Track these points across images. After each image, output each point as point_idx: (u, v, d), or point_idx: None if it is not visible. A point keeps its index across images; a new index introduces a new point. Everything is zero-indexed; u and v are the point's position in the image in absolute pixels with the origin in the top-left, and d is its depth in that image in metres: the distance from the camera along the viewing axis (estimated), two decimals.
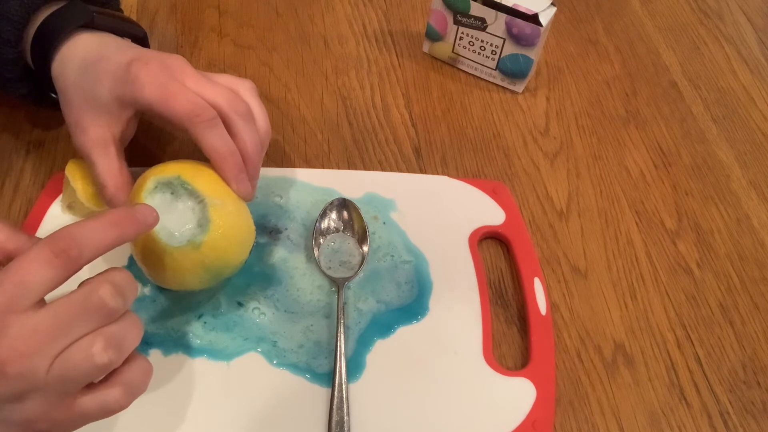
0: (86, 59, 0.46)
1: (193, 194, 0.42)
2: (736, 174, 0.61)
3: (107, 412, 0.37)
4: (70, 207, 0.51)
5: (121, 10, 0.56)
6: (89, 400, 0.35)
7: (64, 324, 0.33)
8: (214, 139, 0.43)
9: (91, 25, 0.48)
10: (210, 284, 0.45)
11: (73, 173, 0.48)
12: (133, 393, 0.38)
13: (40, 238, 0.36)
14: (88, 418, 0.36)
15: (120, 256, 0.49)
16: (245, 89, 0.48)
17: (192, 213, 0.42)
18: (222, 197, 0.43)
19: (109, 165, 0.45)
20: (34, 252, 0.34)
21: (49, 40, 0.47)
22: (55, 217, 0.51)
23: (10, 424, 0.34)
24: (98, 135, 0.45)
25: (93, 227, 0.35)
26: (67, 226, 0.35)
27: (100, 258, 0.38)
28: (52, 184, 0.52)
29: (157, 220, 0.38)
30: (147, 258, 0.42)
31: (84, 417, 0.36)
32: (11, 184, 0.54)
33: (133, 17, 0.67)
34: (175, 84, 0.44)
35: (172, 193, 0.42)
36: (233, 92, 0.46)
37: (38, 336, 0.33)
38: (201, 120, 0.43)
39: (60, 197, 0.51)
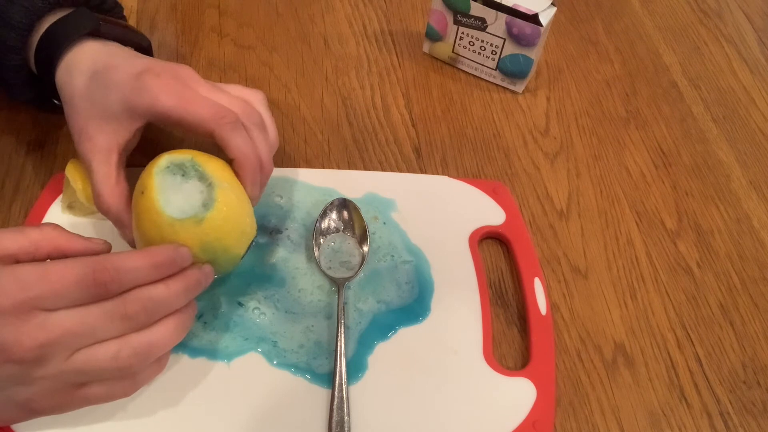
0: (94, 68, 0.46)
1: (203, 177, 0.42)
2: (736, 174, 0.61)
3: (112, 399, 0.39)
4: (71, 207, 0.51)
5: (124, 18, 0.56)
6: (98, 388, 0.38)
7: (88, 326, 0.36)
8: (239, 140, 0.44)
9: (96, 34, 0.48)
10: None
11: (73, 173, 0.49)
12: (141, 384, 0.41)
13: (90, 244, 0.40)
14: (91, 402, 0.39)
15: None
16: (257, 100, 0.49)
17: (200, 194, 0.42)
18: (231, 184, 0.43)
19: (108, 173, 0.45)
20: (78, 268, 0.36)
21: (54, 47, 0.47)
22: (56, 217, 0.51)
23: (10, 403, 0.37)
24: (103, 143, 0.45)
25: (137, 267, 0.37)
26: (115, 257, 0.37)
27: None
28: (53, 184, 0.52)
29: (190, 262, 0.40)
30: (145, 229, 0.42)
31: (87, 402, 0.39)
32: (11, 184, 0.54)
33: (133, 17, 0.67)
34: (191, 91, 0.45)
35: (182, 175, 0.42)
36: (246, 102, 0.47)
37: (58, 330, 0.35)
38: (226, 122, 0.44)
39: (60, 197, 0.51)
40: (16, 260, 0.37)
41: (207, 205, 0.41)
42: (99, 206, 0.45)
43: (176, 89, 0.44)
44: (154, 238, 0.41)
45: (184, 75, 0.46)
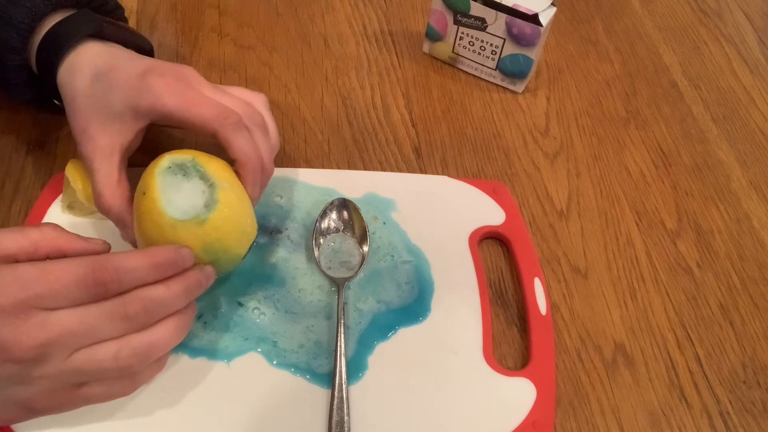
0: (97, 68, 0.46)
1: (204, 177, 0.42)
2: (736, 174, 0.61)
3: (111, 398, 0.39)
4: (70, 207, 0.51)
5: (126, 20, 0.56)
6: (97, 388, 0.38)
7: (88, 325, 0.36)
8: (242, 141, 0.44)
9: (99, 35, 0.48)
10: None
11: (73, 173, 0.49)
12: (140, 383, 0.40)
13: (90, 244, 0.40)
14: (90, 402, 0.39)
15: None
16: (259, 102, 0.49)
17: (201, 194, 0.42)
18: (232, 185, 0.43)
19: (109, 174, 0.45)
20: (78, 267, 0.36)
21: (56, 48, 0.47)
22: (56, 217, 0.51)
23: (9, 402, 0.37)
24: (105, 143, 0.45)
25: (137, 267, 0.37)
26: (116, 257, 0.37)
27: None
28: (53, 184, 0.52)
29: (191, 263, 0.40)
30: (146, 229, 0.42)
31: (86, 401, 0.39)
32: (11, 184, 0.54)
33: (133, 18, 0.67)
34: (195, 92, 0.45)
35: (184, 175, 0.42)
36: (249, 104, 0.47)
37: (58, 330, 0.35)
38: (230, 122, 0.44)
39: (60, 197, 0.51)
40: (15, 260, 0.37)
41: (209, 206, 0.41)
42: (100, 206, 0.45)
43: (179, 89, 0.44)
44: (155, 238, 0.41)
45: (187, 75, 0.46)
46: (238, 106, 0.46)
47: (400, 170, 0.58)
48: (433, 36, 0.65)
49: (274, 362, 0.46)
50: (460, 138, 0.61)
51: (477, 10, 0.60)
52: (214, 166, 0.43)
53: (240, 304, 0.48)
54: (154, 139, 0.54)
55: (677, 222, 0.57)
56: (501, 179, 0.58)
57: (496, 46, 0.62)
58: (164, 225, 0.41)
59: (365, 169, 0.58)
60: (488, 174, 0.59)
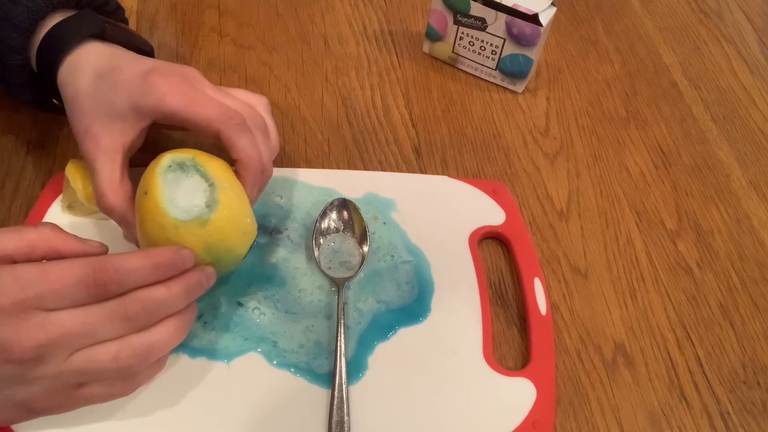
0: (99, 68, 0.46)
1: (205, 176, 0.43)
2: (736, 174, 0.61)
3: (111, 399, 0.39)
4: (71, 207, 0.51)
5: (126, 21, 0.56)
6: (97, 388, 0.38)
7: (88, 326, 0.36)
8: (245, 142, 0.44)
9: (101, 36, 0.48)
10: None
11: (73, 173, 0.48)
12: (140, 384, 0.40)
13: (88, 245, 0.40)
14: (90, 402, 0.39)
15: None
16: (260, 105, 0.50)
17: (202, 193, 0.42)
18: (231, 185, 0.43)
19: (112, 174, 0.45)
20: (78, 268, 0.36)
21: (57, 48, 0.47)
22: (56, 217, 0.51)
23: (9, 403, 0.37)
24: (108, 143, 0.45)
25: (137, 268, 0.37)
26: (116, 258, 0.37)
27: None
28: (53, 184, 0.52)
29: (191, 265, 0.40)
30: (148, 230, 0.42)
31: (86, 401, 0.39)
32: (11, 184, 0.54)
33: (133, 18, 0.67)
34: (198, 92, 0.45)
35: (185, 174, 0.43)
36: (250, 106, 0.47)
37: (58, 330, 0.35)
38: (233, 123, 0.44)
39: (60, 197, 0.51)
40: (12, 261, 0.37)
41: (210, 206, 0.42)
42: (103, 206, 0.45)
43: (183, 89, 0.44)
44: (158, 238, 0.41)
45: (190, 76, 0.46)
46: (240, 107, 0.46)
47: (400, 170, 0.58)
48: (433, 36, 0.66)
49: (274, 362, 0.46)
50: (460, 138, 0.61)
51: (477, 10, 0.60)
52: (214, 166, 0.43)
53: (240, 304, 0.48)
54: (154, 139, 0.54)
55: (677, 222, 0.57)
56: (501, 179, 0.58)
57: (496, 46, 0.62)
58: (167, 225, 0.41)
59: (365, 169, 0.58)
60: (488, 174, 0.59)
